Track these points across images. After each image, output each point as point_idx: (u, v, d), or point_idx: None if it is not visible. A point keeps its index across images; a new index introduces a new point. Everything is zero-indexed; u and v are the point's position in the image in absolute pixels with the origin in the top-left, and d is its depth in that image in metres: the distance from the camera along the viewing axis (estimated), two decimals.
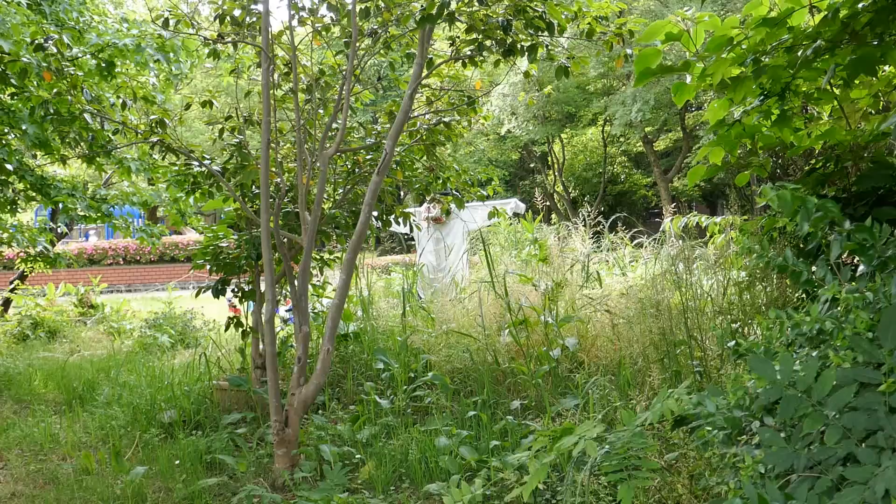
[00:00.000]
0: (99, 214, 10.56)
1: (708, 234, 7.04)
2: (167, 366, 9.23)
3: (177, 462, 6.05)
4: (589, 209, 9.39)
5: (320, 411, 6.99)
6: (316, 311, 8.22)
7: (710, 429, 3.05)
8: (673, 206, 9.33)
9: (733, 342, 3.40)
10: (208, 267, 7.40)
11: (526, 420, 6.19)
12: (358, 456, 5.88)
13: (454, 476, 5.34)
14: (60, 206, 10.36)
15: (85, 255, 31.89)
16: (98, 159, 9.28)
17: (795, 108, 5.74)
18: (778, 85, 5.17)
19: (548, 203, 37.30)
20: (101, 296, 16.42)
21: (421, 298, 9.93)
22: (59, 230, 13.26)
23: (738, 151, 5.94)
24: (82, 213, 10.35)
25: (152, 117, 6.61)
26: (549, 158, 44.08)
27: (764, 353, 3.06)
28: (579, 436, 3.49)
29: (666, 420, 3.38)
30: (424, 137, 7.19)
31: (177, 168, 7.21)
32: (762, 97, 5.34)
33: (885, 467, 2.27)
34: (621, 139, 41.38)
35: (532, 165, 46.21)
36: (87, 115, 6.96)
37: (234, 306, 8.97)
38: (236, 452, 6.33)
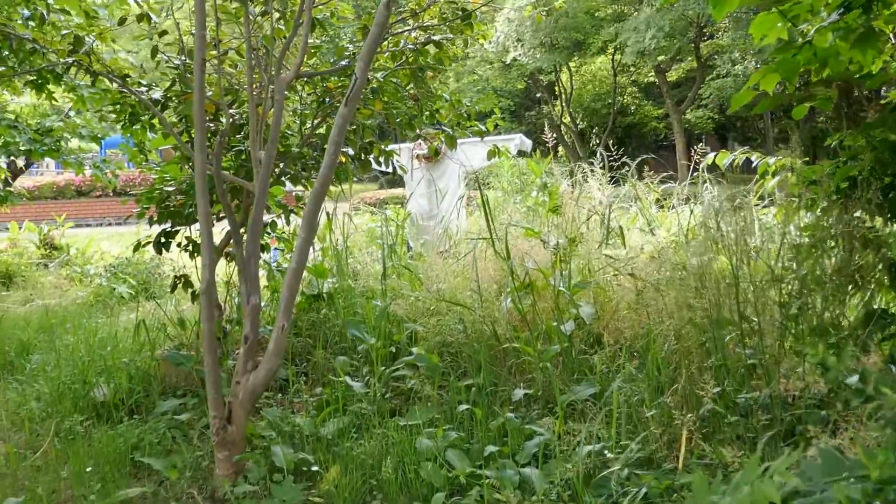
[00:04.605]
0: (46, 149, 9.27)
1: (758, 175, 5.77)
2: (115, 325, 7.97)
3: (91, 464, 4.85)
4: (597, 142, 8.14)
5: (281, 394, 5.80)
6: (282, 269, 6.95)
7: None
8: (702, 145, 7.98)
9: (856, 377, 2.14)
10: (147, 216, 6.15)
11: (531, 413, 5.00)
12: (314, 466, 4.65)
13: (438, 495, 4.17)
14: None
15: (73, 186, 30.79)
16: (48, 87, 8.00)
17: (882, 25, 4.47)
18: None
19: (554, 135, 36.00)
20: (78, 230, 15.10)
21: (410, 249, 8.65)
22: (13, 166, 11.96)
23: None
24: (24, 147, 9.05)
25: (64, 32, 5.28)
26: (557, 88, 42.53)
27: None
28: None
29: None
30: (410, 60, 5.88)
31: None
32: (842, 9, 4.06)
33: None
34: (632, 68, 39.83)
35: (538, 95, 44.61)
36: None
37: None
38: (174, 446, 5.14)
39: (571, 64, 39.99)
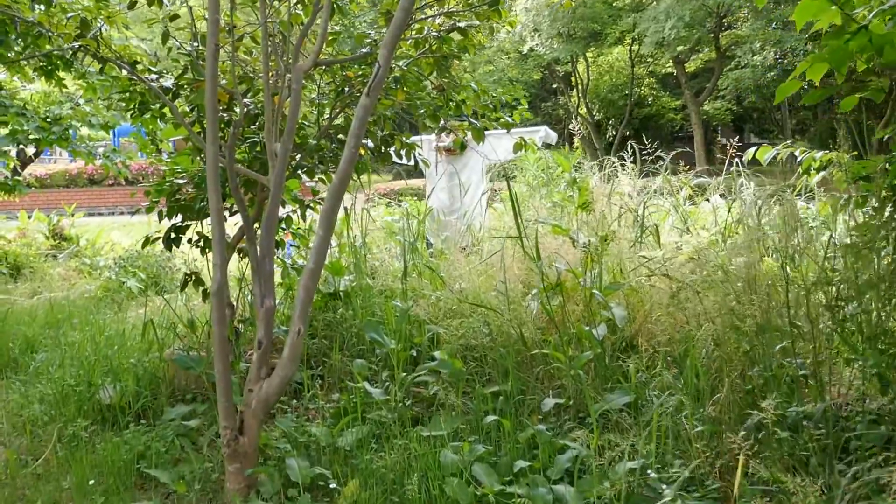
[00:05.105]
0: (55, 137, 9.00)
1: (801, 170, 5.44)
2: (123, 322, 7.68)
3: (95, 475, 4.58)
4: (614, 133, 7.80)
5: (296, 399, 5.50)
6: (297, 266, 6.64)
7: None
8: (736, 139, 7.58)
9: None
10: (157, 210, 5.87)
11: (562, 423, 4.69)
12: (333, 481, 4.34)
13: None
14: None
15: (85, 175, 30.54)
16: (58, 73, 7.75)
17: None
18: None
19: (573, 126, 35.64)
20: (90, 219, 14.79)
21: (431, 246, 8.29)
22: (22, 154, 11.70)
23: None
24: (33, 136, 8.76)
25: (70, 15, 4.98)
26: (573, 79, 42.15)
27: None
28: None
29: None
30: (434, 48, 5.56)
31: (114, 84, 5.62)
32: None
33: None
34: (650, 59, 39.45)
35: (555, 86, 44.27)
36: None
37: None
38: (182, 455, 4.85)
39: (588, 54, 39.64)
